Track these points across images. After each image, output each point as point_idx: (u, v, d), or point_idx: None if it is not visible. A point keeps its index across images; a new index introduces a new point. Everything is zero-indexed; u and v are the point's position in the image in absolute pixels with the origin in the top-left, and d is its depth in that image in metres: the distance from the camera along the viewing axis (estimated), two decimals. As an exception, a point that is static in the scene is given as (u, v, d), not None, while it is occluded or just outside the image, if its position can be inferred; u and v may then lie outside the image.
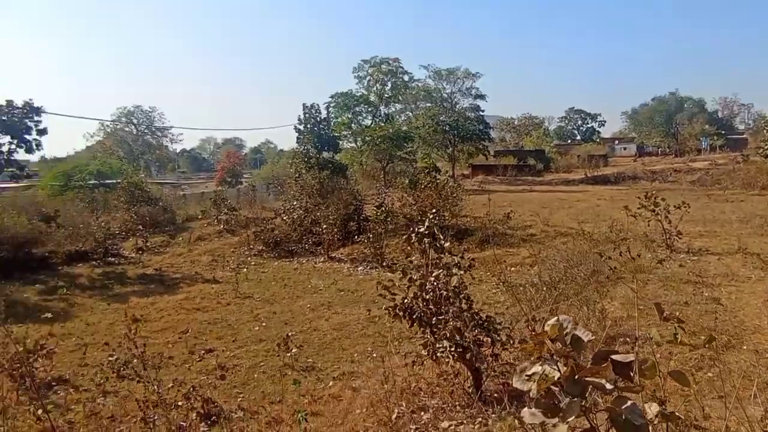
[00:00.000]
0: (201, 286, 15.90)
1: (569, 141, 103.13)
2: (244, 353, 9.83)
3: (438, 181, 23.10)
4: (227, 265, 18.54)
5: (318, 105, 30.12)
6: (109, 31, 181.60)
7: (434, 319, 6.46)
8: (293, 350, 9.10)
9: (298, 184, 24.52)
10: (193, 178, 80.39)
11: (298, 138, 29.89)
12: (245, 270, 17.29)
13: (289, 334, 9.49)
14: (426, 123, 46.70)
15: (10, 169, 20.09)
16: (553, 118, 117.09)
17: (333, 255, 19.29)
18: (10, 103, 19.07)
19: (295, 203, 22.58)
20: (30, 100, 19.31)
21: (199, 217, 28.99)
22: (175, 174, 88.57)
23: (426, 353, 6.79)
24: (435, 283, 6.57)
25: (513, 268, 14.97)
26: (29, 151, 19.88)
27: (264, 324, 11.69)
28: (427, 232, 6.83)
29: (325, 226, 19.26)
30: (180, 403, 6.86)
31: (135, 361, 8.65)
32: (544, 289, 9.34)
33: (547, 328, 2.23)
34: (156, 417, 6.25)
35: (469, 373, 6.73)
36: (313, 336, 10.64)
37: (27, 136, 19.29)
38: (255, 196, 33.50)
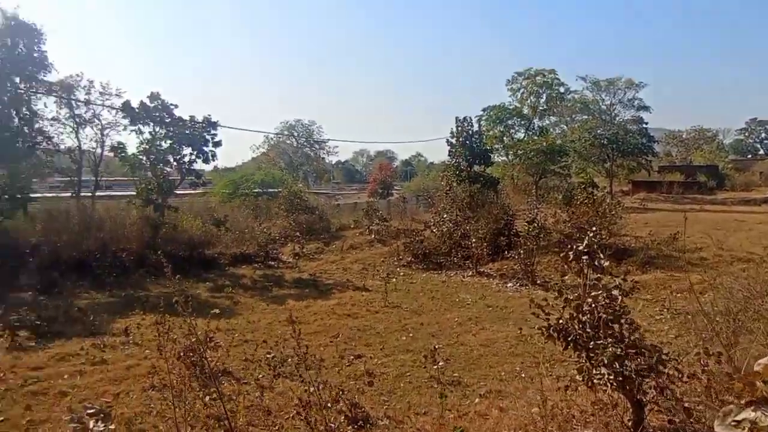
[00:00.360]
0: (352, 293, 16.42)
1: (749, 156, 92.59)
2: (392, 362, 9.94)
3: (595, 197, 21.88)
4: (377, 274, 19.00)
5: (470, 118, 29.92)
6: (277, 51, 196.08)
7: (591, 343, 6.04)
8: (440, 363, 8.99)
9: (448, 197, 24.56)
10: (347, 189, 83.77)
11: (449, 151, 29.92)
12: (394, 280, 17.58)
13: (436, 346, 9.41)
14: (582, 136, 44.50)
15: (189, 178, 22.20)
16: (730, 131, 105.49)
17: (482, 269, 19.02)
18: (192, 118, 21.18)
19: (444, 216, 22.62)
20: (208, 115, 21.30)
21: (352, 226, 30.02)
22: (330, 184, 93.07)
23: (581, 379, 6.36)
24: (593, 305, 6.15)
25: (679, 294, 13.70)
26: (206, 161, 21.88)
27: (411, 335, 11.77)
28: (586, 250, 6.43)
29: (474, 239, 19.08)
30: (329, 405, 7.06)
31: (289, 360, 9.15)
32: (719, 320, 8.38)
33: (758, 368, 1.91)
34: (308, 416, 6.46)
35: (628, 405, 6.20)
36: (460, 350, 10.51)
37: (205, 148, 21.24)
38: (405, 208, 34.09)
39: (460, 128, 29.60)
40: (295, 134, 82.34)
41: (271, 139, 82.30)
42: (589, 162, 46.55)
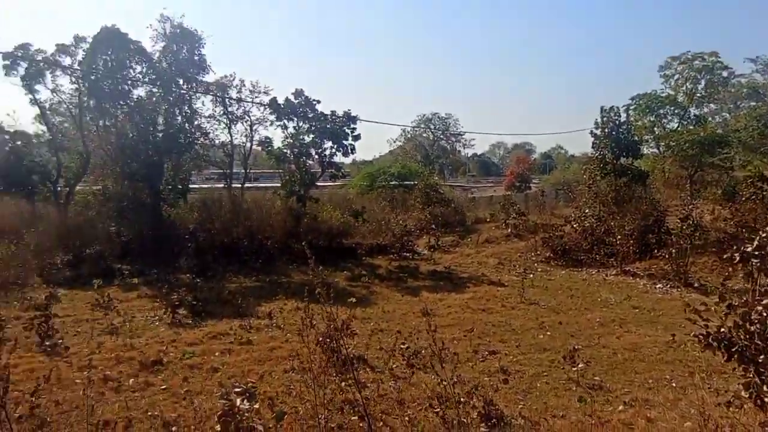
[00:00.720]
0: (487, 288, 16.14)
1: None
2: (527, 360, 9.60)
3: (765, 192, 19.61)
4: (513, 270, 18.54)
5: (617, 108, 28.06)
6: (408, 50, 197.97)
7: (761, 357, 5.36)
8: (579, 365, 8.55)
9: (591, 191, 23.28)
10: (482, 182, 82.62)
11: (593, 143, 28.30)
12: (531, 276, 17.02)
13: (576, 347, 8.95)
14: (749, 125, 39.82)
15: (329, 170, 23.06)
16: None
17: (627, 268, 17.84)
18: (333, 113, 21.97)
19: (587, 211, 21.53)
20: (348, 110, 21.98)
21: (488, 220, 29.56)
22: (466, 177, 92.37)
23: (747, 396, 5.68)
24: (764, 314, 5.45)
25: None
26: (345, 154, 22.62)
27: (549, 333, 11.30)
28: (756, 252, 5.71)
29: (619, 236, 18.00)
30: (463, 400, 6.94)
31: (423, 352, 9.14)
32: None
33: None
34: (442, 409, 6.40)
35: (805, 429, 5.44)
36: (602, 353, 9.90)
37: (345, 142, 21.95)
38: (544, 202, 32.92)
39: (605, 118, 27.89)
40: (432, 127, 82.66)
41: (408, 132, 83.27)
42: (756, 154, 41.73)
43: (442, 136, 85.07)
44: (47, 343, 10.34)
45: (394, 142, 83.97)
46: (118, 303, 13.81)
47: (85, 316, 12.86)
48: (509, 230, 25.49)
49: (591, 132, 28.85)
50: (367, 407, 6.88)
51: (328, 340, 8.45)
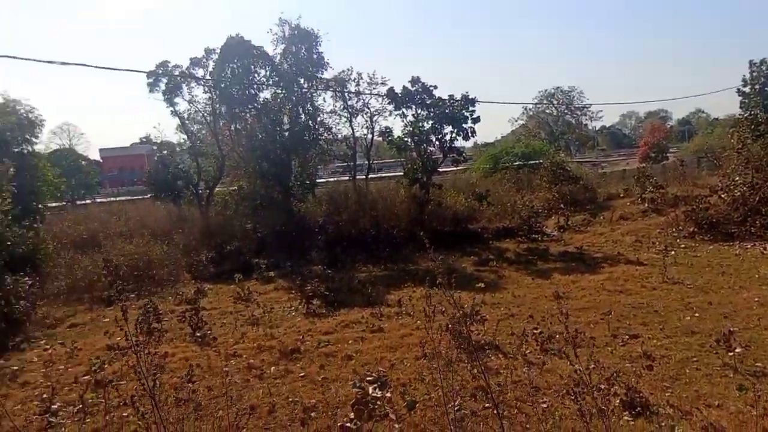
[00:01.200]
0: (624, 268, 15.22)
1: None
2: (673, 344, 8.89)
3: None
4: (653, 247, 17.35)
5: (769, 59, 25.20)
6: (529, 23, 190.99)
7: None
8: (737, 349, 7.76)
9: (741, 156, 21.04)
10: (613, 156, 78.19)
11: (741, 102, 25.70)
12: (673, 253, 15.77)
13: (731, 329, 8.14)
14: None
15: (451, 155, 22.88)
16: None
17: (789, 240, 16.02)
18: (451, 97, 21.74)
19: (737, 179, 19.55)
20: (466, 92, 21.63)
21: (621, 195, 27.97)
22: (595, 152, 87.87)
23: None
24: None
25: None
26: (466, 138, 22.27)
27: (697, 315, 10.38)
28: None
29: (777, 205, 16.13)
30: (602, 387, 6.56)
31: (557, 336, 8.79)
32: None
33: None
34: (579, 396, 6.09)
35: None
36: (763, 336, 8.92)
37: (464, 125, 21.64)
38: (684, 172, 30.49)
39: (755, 73, 25.21)
40: (555, 102, 79.36)
41: (530, 110, 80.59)
42: None
43: (566, 111, 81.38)
44: (198, 334, 11.21)
45: (516, 121, 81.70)
46: (258, 295, 14.68)
47: (229, 309, 13.80)
48: (646, 205, 23.87)
49: (738, 90, 26.26)
50: (500, 394, 6.73)
51: (456, 326, 8.37)
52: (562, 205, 23.99)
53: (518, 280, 15.15)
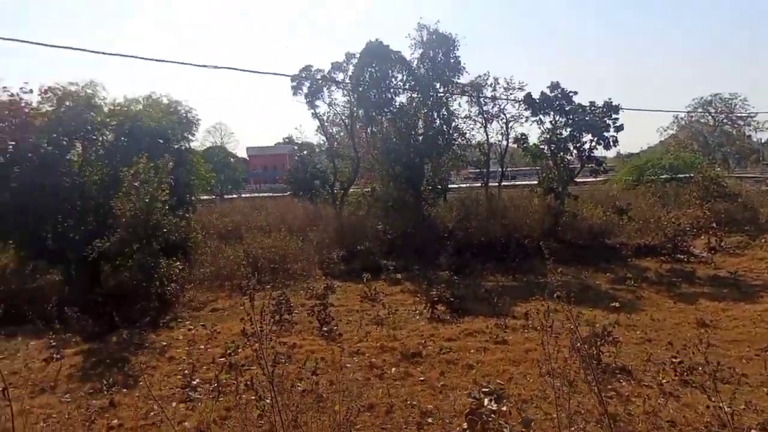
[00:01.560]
0: (788, 298, 13.61)
1: None
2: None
3: None
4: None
5: None
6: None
7: None
8: None
9: None
10: (781, 172, 70.35)
11: None
12: None
13: None
14: None
15: (589, 165, 21.88)
16: None
17: None
18: (592, 104, 20.81)
19: None
20: (609, 99, 20.60)
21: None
22: (759, 167, 79.54)
23: None
24: None
25: None
26: (607, 147, 21.19)
27: None
28: None
29: None
30: (751, 430, 5.90)
31: (700, 369, 8.02)
32: None
33: None
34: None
35: None
36: None
37: (605, 134, 20.61)
38: None
39: None
40: (712, 111, 72.95)
41: (682, 119, 74.76)
42: None
43: (725, 120, 74.48)
44: (324, 329, 11.63)
45: (665, 130, 76.15)
46: (384, 296, 14.91)
47: (356, 307, 14.16)
48: (818, 228, 21.23)
49: None
50: (629, 424, 6.25)
51: (585, 345, 7.92)
52: (714, 224, 21.92)
53: (658, 302, 14.08)
